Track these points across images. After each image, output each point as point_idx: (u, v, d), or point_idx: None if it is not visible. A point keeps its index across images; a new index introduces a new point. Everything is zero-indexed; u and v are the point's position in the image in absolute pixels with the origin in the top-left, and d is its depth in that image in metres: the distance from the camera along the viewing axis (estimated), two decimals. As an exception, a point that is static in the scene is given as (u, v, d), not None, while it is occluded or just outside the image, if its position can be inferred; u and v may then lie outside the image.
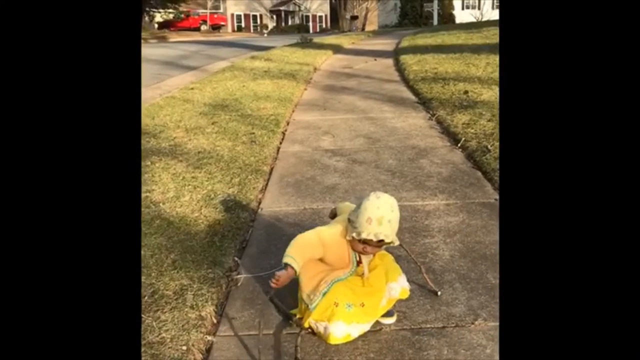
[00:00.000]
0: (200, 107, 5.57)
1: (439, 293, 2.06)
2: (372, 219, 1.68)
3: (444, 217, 2.78)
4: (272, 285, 1.71)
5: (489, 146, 3.75)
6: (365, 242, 1.72)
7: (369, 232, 1.68)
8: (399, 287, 1.86)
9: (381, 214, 1.69)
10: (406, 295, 1.91)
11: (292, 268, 1.71)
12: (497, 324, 1.88)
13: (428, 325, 1.90)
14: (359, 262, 1.84)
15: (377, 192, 1.76)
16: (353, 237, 1.73)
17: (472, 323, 1.89)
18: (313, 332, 1.84)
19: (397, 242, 1.78)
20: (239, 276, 2.25)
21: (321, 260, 1.80)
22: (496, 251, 2.39)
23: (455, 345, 1.79)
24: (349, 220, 1.76)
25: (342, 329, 1.76)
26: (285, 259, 1.74)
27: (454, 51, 8.70)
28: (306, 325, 1.82)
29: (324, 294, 1.79)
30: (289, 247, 1.77)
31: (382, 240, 1.70)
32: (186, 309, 1.97)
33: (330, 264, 1.81)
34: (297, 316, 1.91)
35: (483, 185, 3.24)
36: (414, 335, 1.84)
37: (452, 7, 40.23)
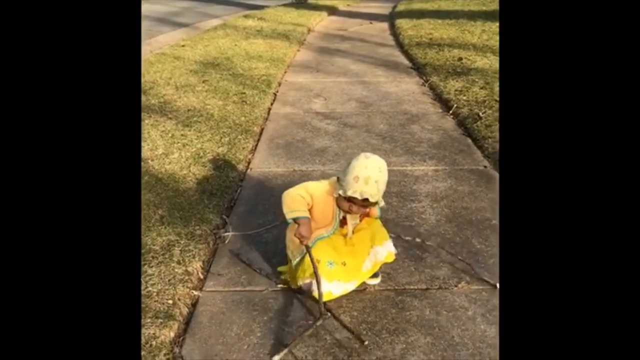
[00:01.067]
0: (191, 64, 5.48)
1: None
2: (359, 177, 1.69)
3: (432, 183, 2.80)
4: (305, 243, 1.76)
5: (480, 113, 3.75)
6: (350, 200, 1.74)
7: (354, 190, 1.70)
8: (385, 250, 1.88)
9: (368, 174, 1.70)
10: (391, 259, 1.92)
11: (304, 218, 1.77)
12: (480, 287, 1.92)
13: (412, 287, 1.93)
14: (343, 222, 1.86)
15: (367, 152, 1.77)
16: (340, 195, 1.75)
17: (455, 286, 1.93)
18: (298, 291, 1.86)
19: (382, 203, 1.80)
20: (226, 234, 2.26)
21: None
22: (482, 217, 2.42)
23: (438, 306, 1.82)
24: (337, 179, 1.77)
25: (323, 287, 1.78)
26: (291, 215, 1.78)
27: (450, 17, 8.57)
28: (298, 283, 1.84)
29: (307, 251, 1.81)
30: (283, 205, 1.79)
31: (367, 200, 1.71)
32: (173, 264, 1.99)
33: (315, 220, 1.82)
34: (284, 276, 1.94)
35: (473, 152, 3.25)
36: (398, 296, 1.88)
37: (451, -28, 39.41)
